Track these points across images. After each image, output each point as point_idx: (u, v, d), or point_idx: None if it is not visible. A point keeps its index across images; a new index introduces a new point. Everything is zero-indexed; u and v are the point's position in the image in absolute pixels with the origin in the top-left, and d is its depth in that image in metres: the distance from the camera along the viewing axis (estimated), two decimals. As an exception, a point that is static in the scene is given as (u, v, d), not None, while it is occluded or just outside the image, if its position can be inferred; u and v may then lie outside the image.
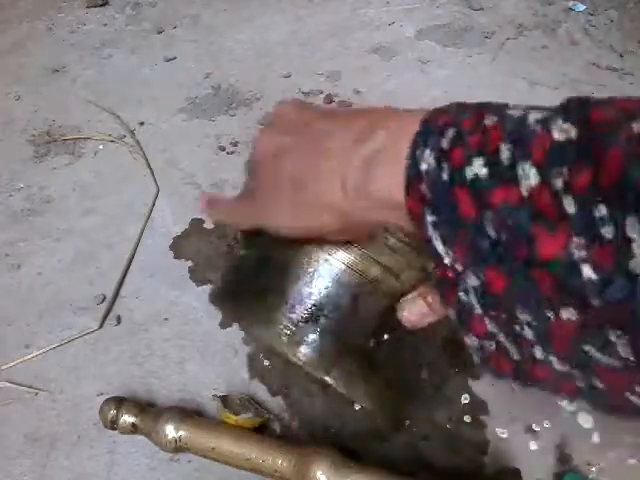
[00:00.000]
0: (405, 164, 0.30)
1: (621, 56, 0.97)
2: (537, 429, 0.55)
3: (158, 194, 0.80)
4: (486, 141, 0.27)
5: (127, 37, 1.11)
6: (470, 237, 0.28)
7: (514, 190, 0.26)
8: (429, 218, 0.29)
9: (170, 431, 0.51)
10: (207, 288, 0.69)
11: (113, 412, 0.53)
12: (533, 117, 0.27)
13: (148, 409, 0.54)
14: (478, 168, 0.27)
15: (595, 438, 0.54)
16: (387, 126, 0.33)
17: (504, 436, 0.55)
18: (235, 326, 0.65)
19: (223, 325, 0.65)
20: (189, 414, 0.53)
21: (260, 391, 0.59)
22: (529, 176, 0.25)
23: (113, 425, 0.53)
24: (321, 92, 0.95)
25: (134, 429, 0.53)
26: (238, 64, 1.02)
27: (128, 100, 0.96)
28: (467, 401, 0.57)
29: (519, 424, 0.56)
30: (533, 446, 0.54)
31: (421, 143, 0.30)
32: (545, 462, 0.53)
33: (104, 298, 0.68)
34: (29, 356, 0.63)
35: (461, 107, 0.30)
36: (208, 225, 0.76)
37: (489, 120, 0.28)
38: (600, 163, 0.24)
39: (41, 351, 0.64)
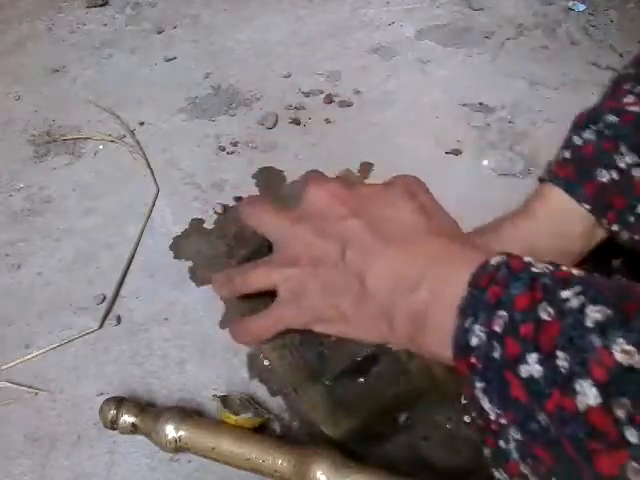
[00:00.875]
0: (453, 332, 0.30)
1: (621, 56, 0.97)
2: (537, 429, 0.55)
3: (158, 194, 0.80)
4: (541, 339, 0.26)
5: (127, 37, 1.11)
6: (521, 416, 0.27)
7: (570, 401, 0.25)
8: (478, 384, 0.29)
9: (170, 431, 0.51)
10: (207, 288, 0.69)
11: (113, 412, 0.53)
12: (591, 319, 0.26)
13: (148, 409, 0.54)
14: (533, 365, 0.26)
15: (595, 438, 0.54)
16: (433, 275, 0.32)
17: (504, 436, 0.55)
18: (235, 326, 0.65)
19: (223, 325, 0.65)
20: (189, 414, 0.53)
21: (260, 391, 0.59)
22: (589, 396, 0.24)
23: (113, 425, 0.53)
24: (321, 92, 0.95)
25: (134, 429, 0.53)
26: (238, 64, 1.02)
27: (128, 100, 0.96)
28: (467, 401, 0.57)
29: (519, 424, 0.56)
30: (533, 446, 0.54)
31: (470, 313, 0.29)
32: (545, 462, 0.53)
33: (104, 298, 0.68)
34: (29, 356, 0.63)
35: (509, 269, 0.29)
36: (208, 225, 0.76)
37: (544, 312, 0.27)
38: None
39: (41, 351, 0.64)
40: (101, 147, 0.89)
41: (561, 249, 0.45)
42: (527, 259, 0.30)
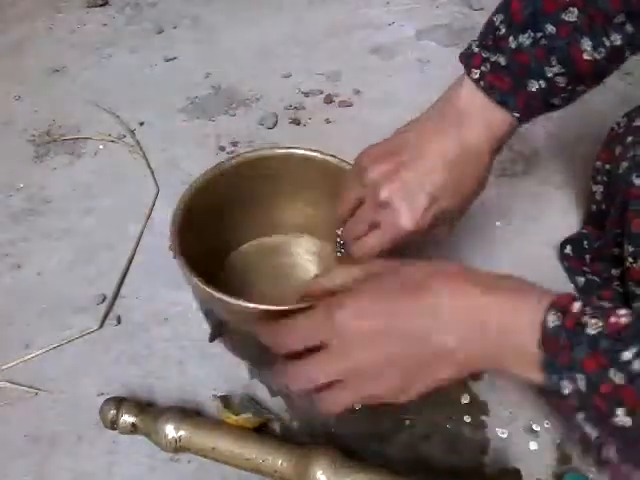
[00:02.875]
0: (544, 383, 0.35)
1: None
2: (537, 429, 0.55)
3: (158, 194, 0.80)
4: (624, 398, 0.31)
5: (127, 37, 1.11)
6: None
7: None
8: (580, 416, 0.34)
9: (170, 431, 0.51)
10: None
11: (113, 412, 0.53)
12: None
13: (148, 409, 0.54)
14: (622, 417, 0.31)
15: (595, 438, 0.54)
16: (496, 322, 0.37)
17: (504, 436, 0.55)
18: (235, 326, 0.65)
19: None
20: (189, 414, 0.54)
21: (260, 391, 0.59)
22: None
23: (113, 425, 0.53)
24: (321, 92, 0.95)
25: (134, 429, 0.53)
26: (238, 64, 1.02)
27: (128, 100, 0.96)
28: (467, 401, 0.57)
29: (519, 424, 0.56)
30: (533, 446, 0.54)
31: (552, 371, 0.34)
32: (545, 462, 0.53)
33: (104, 298, 0.68)
34: (29, 356, 0.63)
35: (567, 332, 0.34)
36: (208, 225, 0.76)
37: (614, 376, 0.32)
38: None
39: (41, 351, 0.64)
40: (101, 147, 0.89)
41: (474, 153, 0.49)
42: (576, 309, 0.34)
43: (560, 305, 0.35)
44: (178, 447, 0.51)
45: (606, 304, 0.35)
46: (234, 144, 0.87)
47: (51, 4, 1.20)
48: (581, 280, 0.65)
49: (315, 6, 1.15)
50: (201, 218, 0.58)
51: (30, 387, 0.61)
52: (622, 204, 0.59)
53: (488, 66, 0.48)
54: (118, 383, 0.60)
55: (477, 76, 0.48)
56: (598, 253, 0.65)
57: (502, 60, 0.47)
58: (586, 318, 0.33)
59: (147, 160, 0.85)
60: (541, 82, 0.46)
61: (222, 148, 0.87)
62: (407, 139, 0.52)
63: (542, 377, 0.35)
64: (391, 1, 1.14)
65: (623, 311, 0.33)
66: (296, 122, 0.90)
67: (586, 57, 0.45)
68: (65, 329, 0.66)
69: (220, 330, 0.56)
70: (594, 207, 0.69)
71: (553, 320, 0.34)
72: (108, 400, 0.54)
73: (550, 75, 0.46)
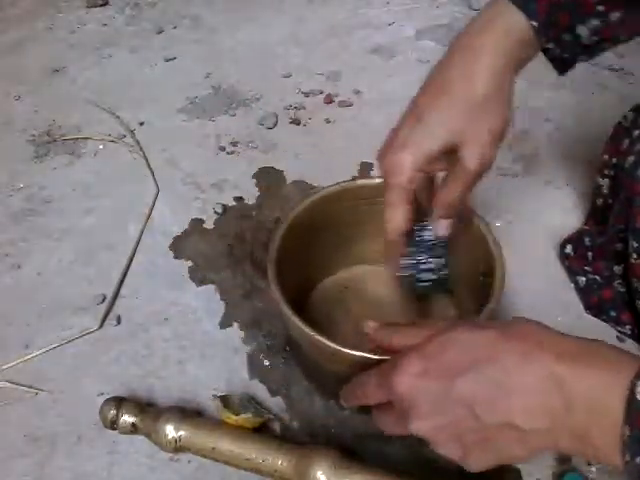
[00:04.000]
0: (624, 466, 0.31)
1: (621, 56, 0.97)
2: (537, 429, 0.55)
3: (158, 194, 0.80)
4: None
5: (127, 37, 1.11)
6: None
7: None
8: None
9: (170, 431, 0.51)
10: (207, 288, 0.69)
11: (113, 412, 0.53)
12: None
13: (148, 409, 0.54)
14: None
15: (595, 438, 0.54)
16: (583, 396, 0.32)
17: (504, 436, 0.55)
18: (235, 326, 0.65)
19: (223, 325, 0.65)
20: (189, 414, 0.54)
21: (260, 391, 0.59)
22: None
23: (113, 425, 0.53)
24: (321, 92, 0.95)
25: (134, 429, 0.53)
26: (238, 64, 1.02)
27: (128, 100, 0.96)
28: None
29: (519, 424, 0.56)
30: (533, 446, 0.54)
31: (637, 453, 0.30)
32: (545, 462, 0.53)
33: (104, 298, 0.68)
34: (29, 356, 0.63)
35: None
36: (208, 225, 0.76)
37: None
38: None
39: (41, 351, 0.64)
40: (101, 147, 0.89)
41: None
42: None
43: None
44: (178, 447, 0.51)
45: None
46: (234, 144, 0.87)
47: (51, 4, 1.20)
48: (582, 280, 0.65)
49: (315, 6, 1.15)
50: (293, 248, 0.57)
51: (30, 387, 0.61)
52: (627, 199, 0.59)
53: None
54: (118, 383, 0.60)
55: None
56: (600, 250, 0.65)
57: None
58: None
59: (147, 160, 0.85)
60: None
61: (222, 148, 0.87)
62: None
63: (625, 458, 0.31)
64: (391, 1, 1.14)
65: None
66: (296, 122, 0.90)
67: None
68: (65, 329, 0.66)
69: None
70: (600, 201, 0.68)
71: None
72: (108, 400, 0.54)
73: None
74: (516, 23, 0.46)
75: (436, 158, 0.48)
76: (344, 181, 0.63)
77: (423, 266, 0.54)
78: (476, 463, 0.37)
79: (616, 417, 0.31)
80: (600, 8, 0.46)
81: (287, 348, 0.62)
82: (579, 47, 0.49)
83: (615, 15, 0.46)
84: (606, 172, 0.67)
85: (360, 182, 0.63)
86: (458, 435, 0.36)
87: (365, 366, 0.44)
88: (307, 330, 0.49)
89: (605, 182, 0.67)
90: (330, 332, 0.49)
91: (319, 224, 0.60)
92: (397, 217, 0.49)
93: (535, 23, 0.46)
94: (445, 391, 0.35)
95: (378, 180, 0.60)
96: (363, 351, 0.46)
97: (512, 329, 0.37)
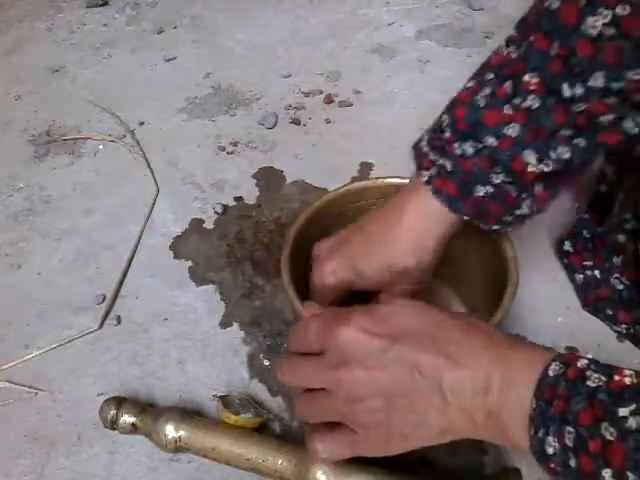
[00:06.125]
0: (529, 440, 0.33)
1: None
2: (537, 429, 0.55)
3: (158, 194, 0.80)
4: (611, 458, 0.30)
5: (127, 37, 1.11)
6: None
7: None
8: None
9: (170, 431, 0.51)
10: (207, 288, 0.69)
11: (113, 412, 0.53)
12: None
13: (148, 409, 0.54)
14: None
15: (595, 438, 0.54)
16: (499, 378, 0.35)
17: (504, 436, 0.55)
18: (235, 326, 0.65)
19: (223, 325, 0.65)
20: (189, 414, 0.53)
21: (260, 391, 0.59)
22: None
23: (113, 425, 0.53)
24: (321, 92, 0.95)
25: (134, 429, 0.53)
26: (238, 64, 1.02)
27: (128, 100, 0.96)
28: None
29: (519, 424, 0.55)
30: (533, 446, 0.54)
31: (541, 425, 0.32)
32: (545, 462, 0.53)
33: (104, 298, 0.68)
34: (29, 356, 0.63)
35: (567, 381, 0.32)
36: (208, 225, 0.76)
37: (606, 431, 0.30)
38: None
39: (41, 351, 0.64)
40: (101, 147, 0.89)
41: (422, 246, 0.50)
42: (581, 364, 0.33)
43: (565, 359, 0.34)
44: (178, 447, 0.51)
45: (612, 365, 0.33)
46: (234, 144, 0.87)
47: (51, 4, 1.20)
48: (580, 277, 0.65)
49: (315, 6, 1.15)
50: (306, 246, 0.57)
51: (30, 387, 0.61)
52: (634, 189, 0.58)
53: (435, 170, 0.47)
54: (118, 383, 0.60)
55: (425, 179, 0.48)
56: (601, 240, 0.64)
57: (448, 165, 0.47)
58: (590, 372, 0.32)
59: (147, 160, 0.85)
60: (488, 187, 0.46)
61: (222, 148, 0.87)
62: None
63: (530, 432, 0.33)
64: (391, 1, 1.14)
65: (628, 371, 0.32)
66: (296, 122, 0.90)
67: (531, 169, 0.45)
68: (65, 329, 0.66)
69: None
70: (604, 188, 0.67)
71: (555, 370, 0.33)
72: (108, 400, 0.54)
73: (497, 182, 0.46)
74: (442, 215, 0.48)
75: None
76: (358, 181, 0.63)
77: None
78: (397, 438, 0.39)
79: (526, 394, 0.34)
80: (524, 196, 0.47)
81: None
82: (522, 218, 0.49)
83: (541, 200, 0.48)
84: (612, 158, 0.65)
85: (372, 182, 0.63)
86: (388, 394, 0.38)
87: None
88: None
89: (610, 169, 0.65)
90: None
91: (330, 225, 0.60)
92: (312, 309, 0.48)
93: (468, 217, 0.48)
94: (388, 348, 0.38)
95: (387, 181, 0.61)
96: None
97: (460, 314, 0.44)
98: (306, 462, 0.48)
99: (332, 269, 0.52)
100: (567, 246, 0.68)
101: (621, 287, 0.61)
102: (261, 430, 0.54)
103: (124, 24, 1.14)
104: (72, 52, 1.08)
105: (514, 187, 0.46)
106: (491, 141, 0.45)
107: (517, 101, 0.44)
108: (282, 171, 0.82)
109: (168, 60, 1.04)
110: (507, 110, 0.44)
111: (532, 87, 0.43)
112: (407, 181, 0.60)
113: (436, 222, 0.48)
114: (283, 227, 0.74)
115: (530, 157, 0.44)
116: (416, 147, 0.51)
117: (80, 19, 1.16)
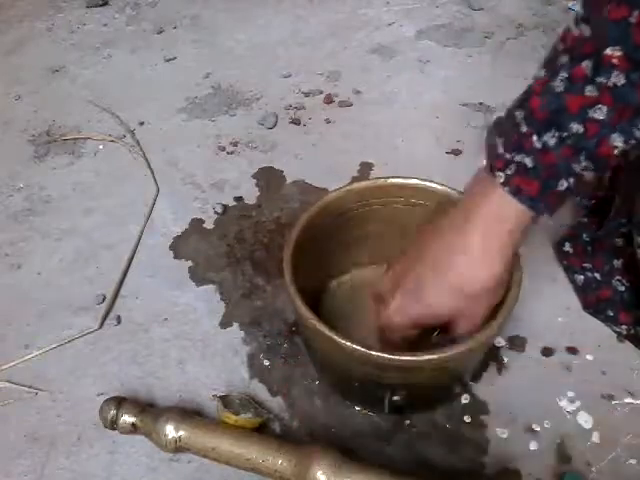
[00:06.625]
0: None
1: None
2: (537, 429, 0.55)
3: (158, 194, 0.80)
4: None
5: (127, 37, 1.11)
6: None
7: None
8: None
9: (170, 431, 0.51)
10: (207, 288, 0.69)
11: (113, 412, 0.53)
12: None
13: (148, 409, 0.54)
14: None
15: (595, 438, 0.54)
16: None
17: (504, 436, 0.55)
18: (235, 326, 0.65)
19: (223, 325, 0.65)
20: (189, 414, 0.53)
21: (260, 391, 0.59)
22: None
23: (113, 425, 0.53)
24: (321, 92, 0.95)
25: (134, 429, 0.53)
26: (238, 64, 1.02)
27: (128, 100, 0.96)
28: (467, 401, 0.57)
29: (519, 424, 0.56)
30: (533, 446, 0.54)
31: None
32: (545, 462, 0.53)
33: (104, 298, 0.68)
34: (29, 356, 0.63)
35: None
36: (208, 225, 0.76)
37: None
38: None
39: (41, 351, 0.64)
40: (101, 147, 0.89)
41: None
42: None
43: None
44: (178, 447, 0.51)
45: None
46: (234, 144, 0.87)
47: (51, 4, 1.20)
48: (580, 278, 0.65)
49: (315, 6, 1.15)
50: (307, 246, 0.57)
51: (30, 387, 0.61)
52: (628, 194, 0.58)
53: (513, 168, 0.44)
54: (118, 383, 0.60)
55: (502, 180, 0.44)
56: (600, 243, 0.64)
57: (528, 161, 0.43)
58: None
59: (147, 160, 0.85)
60: (570, 179, 0.43)
61: (222, 148, 0.87)
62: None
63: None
64: (391, 1, 1.14)
65: None
66: (296, 122, 0.90)
67: (617, 152, 0.42)
68: (65, 329, 0.66)
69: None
70: (600, 193, 0.67)
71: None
72: (108, 400, 0.54)
73: (578, 170, 0.43)
74: (525, 218, 0.45)
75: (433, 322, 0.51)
76: (359, 181, 0.63)
77: None
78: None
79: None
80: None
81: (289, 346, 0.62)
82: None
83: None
84: None
85: (374, 182, 0.63)
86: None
87: (381, 365, 0.47)
88: (329, 333, 0.48)
89: (606, 175, 0.65)
90: (347, 332, 0.49)
91: (331, 224, 0.61)
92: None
93: (547, 214, 0.45)
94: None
95: (389, 181, 0.61)
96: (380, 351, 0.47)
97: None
98: (306, 462, 0.48)
99: (398, 306, 0.50)
100: (567, 247, 0.68)
101: (622, 289, 0.61)
102: (261, 430, 0.54)
103: (124, 24, 1.14)
104: (72, 52, 1.08)
105: (591, 174, 0.43)
106: (576, 128, 0.42)
107: (600, 80, 0.40)
108: (282, 171, 0.82)
109: (168, 60, 1.04)
110: (590, 92, 0.41)
111: (614, 62, 0.39)
112: (410, 180, 0.60)
113: (516, 226, 0.45)
114: (283, 227, 0.74)
115: (617, 139, 0.41)
116: (489, 147, 0.47)
117: (80, 19, 1.16)
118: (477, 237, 0.46)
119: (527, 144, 0.43)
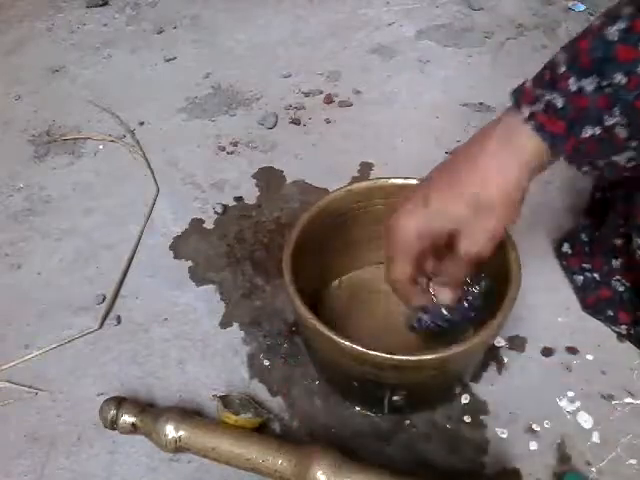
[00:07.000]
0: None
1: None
2: (537, 429, 0.55)
3: (158, 194, 0.80)
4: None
5: (127, 37, 1.11)
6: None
7: None
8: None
9: (170, 431, 0.51)
10: (207, 288, 0.69)
11: (113, 412, 0.53)
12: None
13: (148, 409, 0.54)
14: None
15: (595, 438, 0.54)
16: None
17: (504, 436, 0.55)
18: (235, 326, 0.65)
19: (223, 325, 0.65)
20: (189, 414, 0.54)
21: (260, 391, 0.59)
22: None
23: (113, 425, 0.53)
24: (321, 92, 0.95)
25: (134, 429, 0.53)
26: (238, 64, 1.02)
27: (128, 100, 0.96)
28: (467, 401, 0.57)
29: (519, 424, 0.56)
30: (533, 446, 0.54)
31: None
32: (545, 462, 0.53)
33: (104, 298, 0.68)
34: (29, 356, 0.63)
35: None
36: (208, 225, 0.76)
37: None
38: None
39: (41, 351, 0.64)
40: (101, 147, 0.89)
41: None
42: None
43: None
44: (178, 447, 0.51)
45: None
46: (234, 144, 0.87)
47: (51, 4, 1.20)
48: (579, 279, 0.65)
49: (315, 6, 1.15)
50: (307, 246, 0.57)
51: (30, 387, 0.61)
52: (626, 196, 0.58)
53: (542, 105, 0.43)
54: (118, 383, 0.60)
55: (527, 114, 0.44)
56: (599, 244, 0.64)
57: (559, 101, 0.43)
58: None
59: (147, 160, 0.85)
60: (597, 129, 0.42)
61: (222, 148, 0.87)
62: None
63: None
64: (391, 1, 1.14)
65: None
66: (296, 122, 0.90)
67: None
68: (65, 329, 0.66)
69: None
70: (598, 194, 0.68)
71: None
72: (108, 400, 0.54)
73: (609, 124, 0.42)
74: (540, 152, 0.45)
75: (438, 236, 0.48)
76: (359, 181, 0.63)
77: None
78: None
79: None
80: (633, 144, 0.44)
81: (290, 345, 0.62)
82: (617, 169, 0.47)
83: None
84: None
85: (374, 182, 0.63)
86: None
87: (380, 365, 0.47)
88: (328, 333, 0.48)
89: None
90: (347, 332, 0.49)
91: (331, 225, 0.61)
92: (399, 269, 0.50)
93: (565, 157, 0.45)
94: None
95: (390, 181, 0.61)
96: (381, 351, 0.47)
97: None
98: (306, 462, 0.48)
99: (405, 209, 0.49)
100: (566, 248, 0.68)
101: (622, 289, 0.62)
102: (261, 430, 0.54)
103: (124, 24, 1.14)
104: (72, 52, 1.08)
105: (627, 130, 0.42)
106: (619, 78, 0.41)
107: None
108: (282, 171, 0.82)
109: (168, 60, 1.04)
110: None
111: None
112: (410, 180, 0.60)
113: (533, 159, 0.45)
114: (283, 227, 0.74)
115: None
116: (518, 87, 0.47)
117: (80, 19, 1.16)
118: (493, 159, 0.45)
119: (562, 84, 0.43)
